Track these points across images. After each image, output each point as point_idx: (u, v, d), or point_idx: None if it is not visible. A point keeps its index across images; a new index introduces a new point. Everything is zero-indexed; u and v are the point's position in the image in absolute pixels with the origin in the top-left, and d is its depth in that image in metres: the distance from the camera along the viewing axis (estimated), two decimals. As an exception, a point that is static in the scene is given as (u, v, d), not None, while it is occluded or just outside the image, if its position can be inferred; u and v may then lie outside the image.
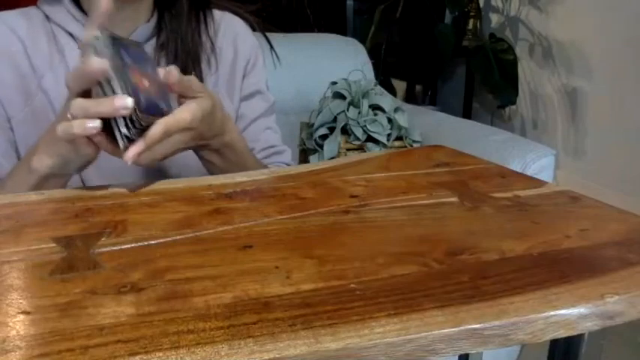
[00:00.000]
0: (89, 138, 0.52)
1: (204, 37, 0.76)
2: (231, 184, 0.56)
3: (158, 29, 0.74)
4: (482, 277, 0.36)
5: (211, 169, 0.67)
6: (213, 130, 0.61)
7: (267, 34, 0.87)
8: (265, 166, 0.75)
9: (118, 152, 0.52)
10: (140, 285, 0.35)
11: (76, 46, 0.70)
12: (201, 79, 0.74)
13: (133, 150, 0.51)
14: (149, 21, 0.73)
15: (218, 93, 0.72)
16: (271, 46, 0.86)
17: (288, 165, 0.83)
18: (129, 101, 0.49)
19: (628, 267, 0.38)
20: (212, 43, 0.77)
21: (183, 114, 0.54)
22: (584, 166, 2.32)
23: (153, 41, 0.73)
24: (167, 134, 0.53)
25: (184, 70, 0.72)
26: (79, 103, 0.51)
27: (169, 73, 0.55)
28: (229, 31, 0.79)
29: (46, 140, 0.57)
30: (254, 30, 0.83)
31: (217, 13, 0.79)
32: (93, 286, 0.35)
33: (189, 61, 0.73)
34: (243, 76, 0.80)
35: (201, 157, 0.66)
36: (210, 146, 0.63)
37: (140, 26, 0.72)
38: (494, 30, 2.61)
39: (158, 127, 0.52)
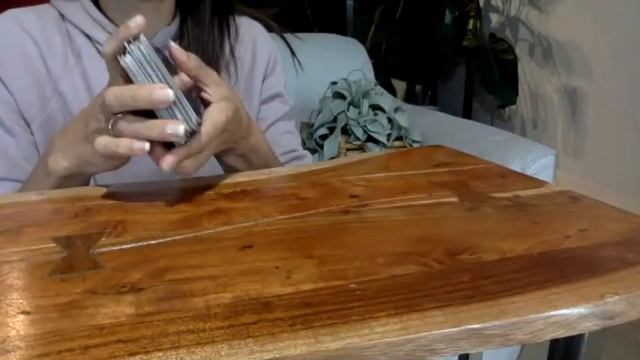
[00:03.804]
0: None
1: (225, 46, 0.74)
2: (231, 184, 0.56)
3: (180, 34, 0.72)
4: (482, 277, 0.36)
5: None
6: (241, 131, 0.58)
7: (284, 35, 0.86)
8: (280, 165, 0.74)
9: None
10: (140, 285, 0.35)
11: (92, 49, 0.69)
12: None
13: (171, 158, 0.49)
14: (170, 24, 0.72)
15: None
16: (293, 53, 0.84)
17: None
18: (180, 129, 0.47)
19: (628, 267, 0.38)
20: (232, 52, 0.75)
21: (219, 115, 0.52)
22: (584, 166, 2.32)
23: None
24: (210, 140, 0.51)
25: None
26: (128, 121, 0.48)
27: (179, 51, 0.51)
28: (248, 36, 0.78)
29: (64, 141, 0.55)
30: (269, 31, 0.82)
31: (236, 18, 0.78)
32: (93, 286, 0.35)
33: None
34: (263, 79, 0.79)
35: (225, 164, 0.64)
36: (237, 150, 0.61)
37: (162, 29, 0.71)
38: (494, 30, 2.62)
39: (204, 136, 0.50)
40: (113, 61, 0.48)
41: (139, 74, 0.48)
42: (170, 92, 0.46)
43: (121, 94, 0.47)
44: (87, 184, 0.60)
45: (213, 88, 0.53)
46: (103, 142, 0.49)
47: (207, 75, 0.53)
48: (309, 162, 0.83)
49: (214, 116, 0.51)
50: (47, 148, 0.58)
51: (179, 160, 0.49)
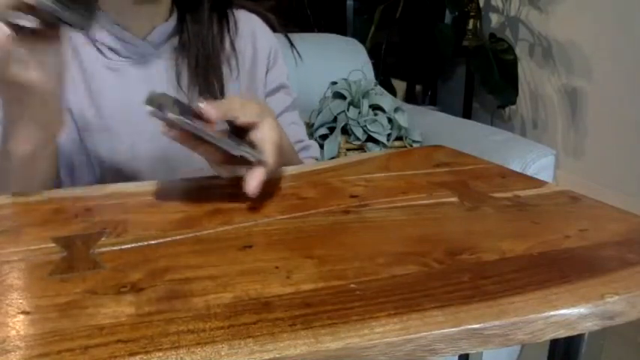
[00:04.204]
0: None
1: (225, 41, 0.75)
2: (231, 184, 0.56)
3: (179, 30, 0.72)
4: (482, 277, 0.36)
5: None
6: (281, 133, 0.59)
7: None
8: (302, 162, 0.74)
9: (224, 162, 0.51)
10: (140, 285, 0.35)
11: (89, 45, 0.69)
12: (221, 83, 0.73)
13: (256, 181, 0.50)
14: (168, 20, 0.72)
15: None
16: (291, 44, 0.84)
17: (317, 159, 0.82)
18: None
19: (628, 267, 0.38)
20: (233, 46, 0.75)
21: (270, 132, 0.53)
22: (584, 166, 2.32)
23: (174, 41, 0.72)
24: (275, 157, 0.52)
25: (205, 75, 0.71)
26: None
27: (207, 109, 0.50)
28: (247, 30, 0.78)
29: (5, 120, 0.54)
30: (274, 30, 0.82)
31: (234, 11, 0.78)
32: (93, 286, 0.35)
33: (210, 65, 0.72)
34: (267, 72, 0.79)
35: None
36: None
37: (159, 25, 0.71)
38: (494, 30, 2.62)
39: (270, 155, 0.52)
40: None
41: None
42: None
43: None
44: (57, 179, 0.58)
45: (243, 113, 0.53)
46: None
47: (232, 108, 0.53)
48: (316, 152, 0.83)
49: (266, 135, 0.53)
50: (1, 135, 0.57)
51: (261, 183, 0.50)
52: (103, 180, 0.69)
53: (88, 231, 0.44)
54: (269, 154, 0.52)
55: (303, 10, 2.66)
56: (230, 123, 0.53)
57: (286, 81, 0.82)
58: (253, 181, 0.50)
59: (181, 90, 0.70)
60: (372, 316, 0.32)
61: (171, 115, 0.46)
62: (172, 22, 0.72)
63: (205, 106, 0.50)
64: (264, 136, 0.53)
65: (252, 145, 0.52)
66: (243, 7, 0.79)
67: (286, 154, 0.66)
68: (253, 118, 0.53)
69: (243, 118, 0.53)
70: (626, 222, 0.47)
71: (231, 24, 0.76)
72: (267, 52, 0.79)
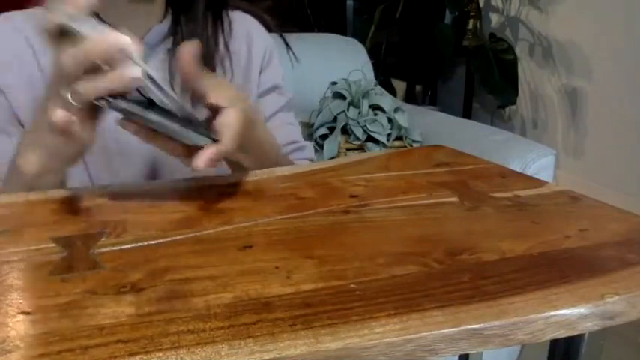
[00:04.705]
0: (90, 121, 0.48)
1: (220, 42, 0.74)
2: (231, 184, 0.56)
3: (173, 31, 0.72)
4: (482, 277, 0.36)
5: (238, 171, 0.63)
6: (249, 125, 0.57)
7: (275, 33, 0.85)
8: (292, 164, 0.74)
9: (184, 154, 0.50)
10: (140, 285, 0.35)
11: None
12: None
13: (205, 156, 0.48)
14: (163, 21, 0.71)
15: None
16: (287, 45, 0.84)
17: (311, 161, 0.81)
18: (137, 71, 0.45)
19: (628, 267, 0.38)
20: (227, 47, 0.75)
21: (235, 121, 0.51)
22: (584, 166, 2.32)
23: (168, 43, 0.71)
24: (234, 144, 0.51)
25: None
26: (87, 80, 0.45)
27: (190, 51, 0.50)
28: (242, 31, 0.78)
29: (29, 135, 0.54)
30: (270, 31, 0.81)
31: (229, 12, 0.77)
32: (93, 286, 0.35)
33: (205, 66, 0.72)
34: (260, 72, 0.79)
35: (227, 160, 0.63)
36: (244, 149, 0.59)
37: (154, 26, 0.70)
38: (494, 30, 2.62)
39: (228, 141, 0.50)
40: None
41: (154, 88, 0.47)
42: (138, 70, 0.45)
43: (74, 51, 0.45)
44: (63, 183, 0.58)
45: (215, 92, 0.52)
46: (57, 111, 0.46)
47: (204, 78, 0.52)
48: (310, 153, 0.82)
49: (231, 121, 0.51)
50: (17, 148, 0.57)
51: (211, 161, 0.48)
52: (97, 181, 0.69)
53: (88, 231, 0.44)
54: (226, 139, 0.50)
55: (303, 10, 2.66)
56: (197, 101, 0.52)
57: (281, 82, 0.82)
58: (203, 155, 0.48)
59: (173, 92, 0.70)
60: (372, 316, 0.32)
61: (118, 103, 0.45)
62: (168, 22, 0.72)
63: (184, 50, 0.49)
64: (226, 122, 0.51)
65: (212, 130, 0.50)
66: (238, 7, 0.79)
67: (267, 153, 0.65)
68: (222, 102, 0.51)
69: (212, 97, 0.51)
70: (626, 222, 0.47)
71: (226, 25, 0.76)
72: (262, 52, 0.79)
